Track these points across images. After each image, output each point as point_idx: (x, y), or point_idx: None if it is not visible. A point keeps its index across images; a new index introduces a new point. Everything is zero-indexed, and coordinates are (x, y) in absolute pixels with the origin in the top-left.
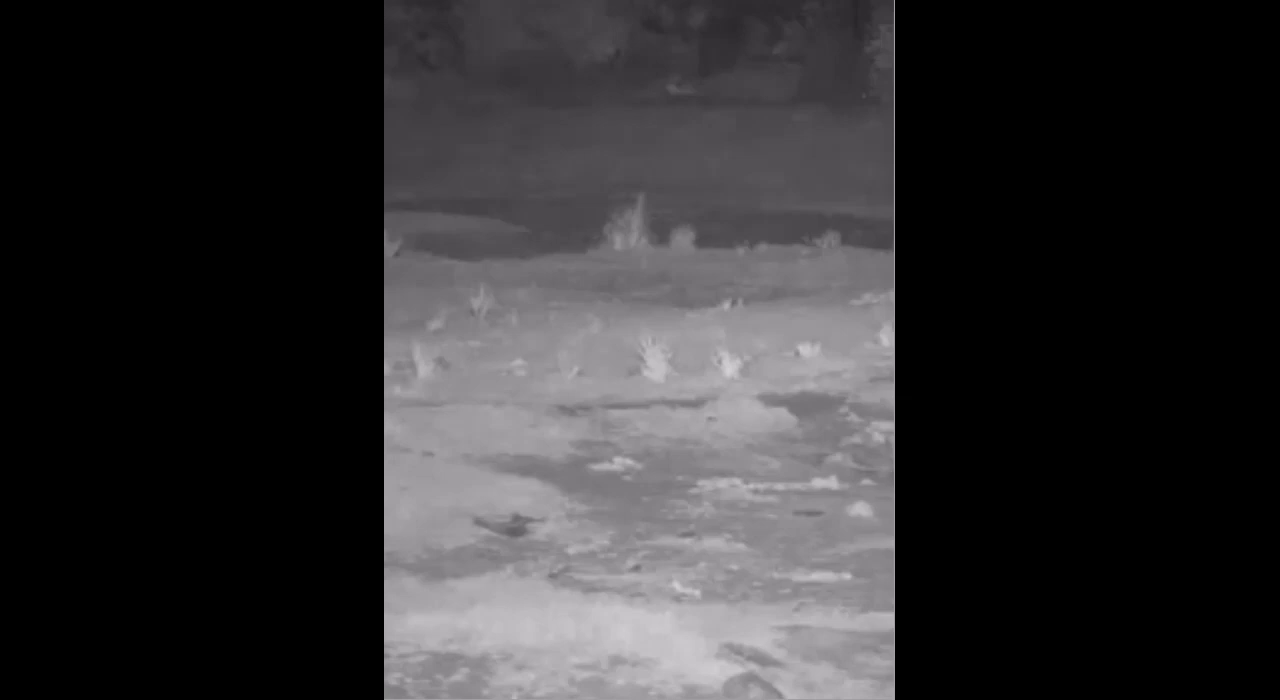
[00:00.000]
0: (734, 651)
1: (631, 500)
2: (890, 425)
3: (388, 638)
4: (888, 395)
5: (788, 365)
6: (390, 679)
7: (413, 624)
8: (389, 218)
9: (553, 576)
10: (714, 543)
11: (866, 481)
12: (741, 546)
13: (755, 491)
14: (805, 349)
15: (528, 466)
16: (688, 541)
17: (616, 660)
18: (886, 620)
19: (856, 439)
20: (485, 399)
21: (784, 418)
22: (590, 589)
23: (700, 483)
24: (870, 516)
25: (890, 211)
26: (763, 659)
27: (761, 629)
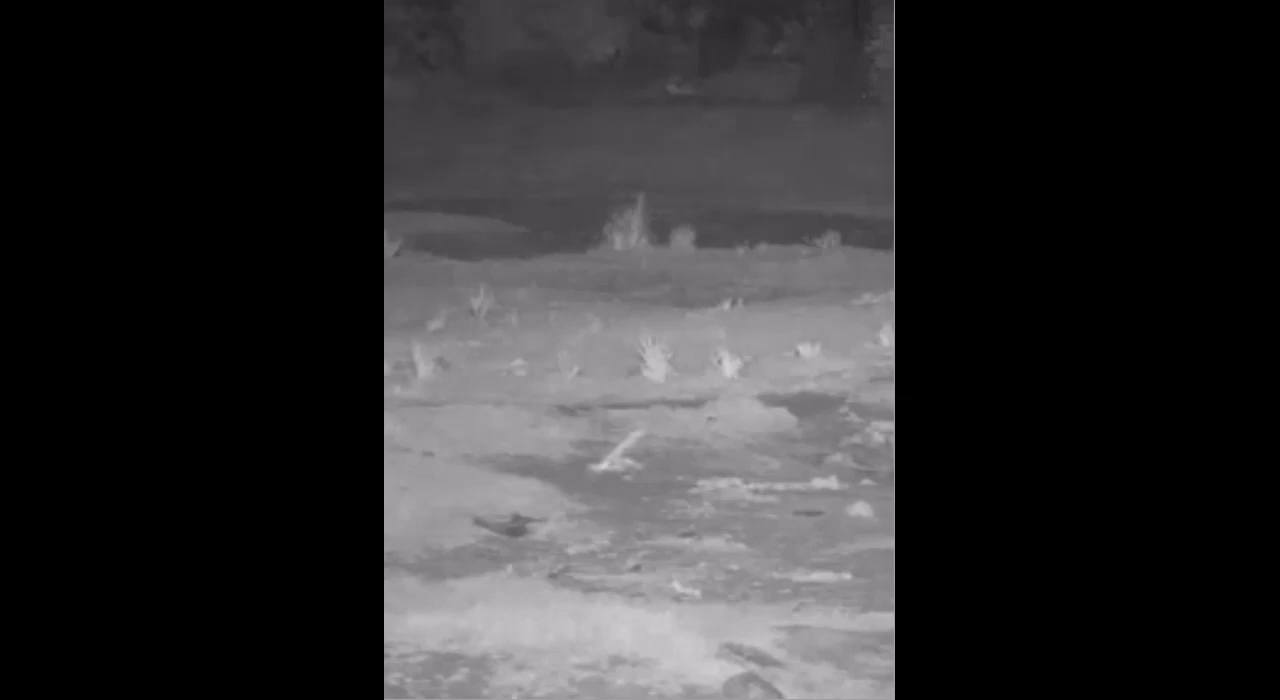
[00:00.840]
0: (734, 651)
1: (631, 500)
2: (890, 425)
3: (388, 638)
4: (888, 395)
5: (788, 365)
6: (390, 679)
7: (413, 624)
8: (389, 218)
9: (553, 576)
10: (714, 543)
11: (866, 481)
12: (741, 546)
13: (755, 491)
14: (805, 349)
15: (528, 466)
16: (688, 541)
17: (616, 660)
18: (886, 620)
19: (856, 439)
20: (485, 399)
21: (784, 418)
22: (590, 589)
23: (700, 483)
24: (870, 516)
25: (890, 211)
26: (763, 659)
27: (761, 629)
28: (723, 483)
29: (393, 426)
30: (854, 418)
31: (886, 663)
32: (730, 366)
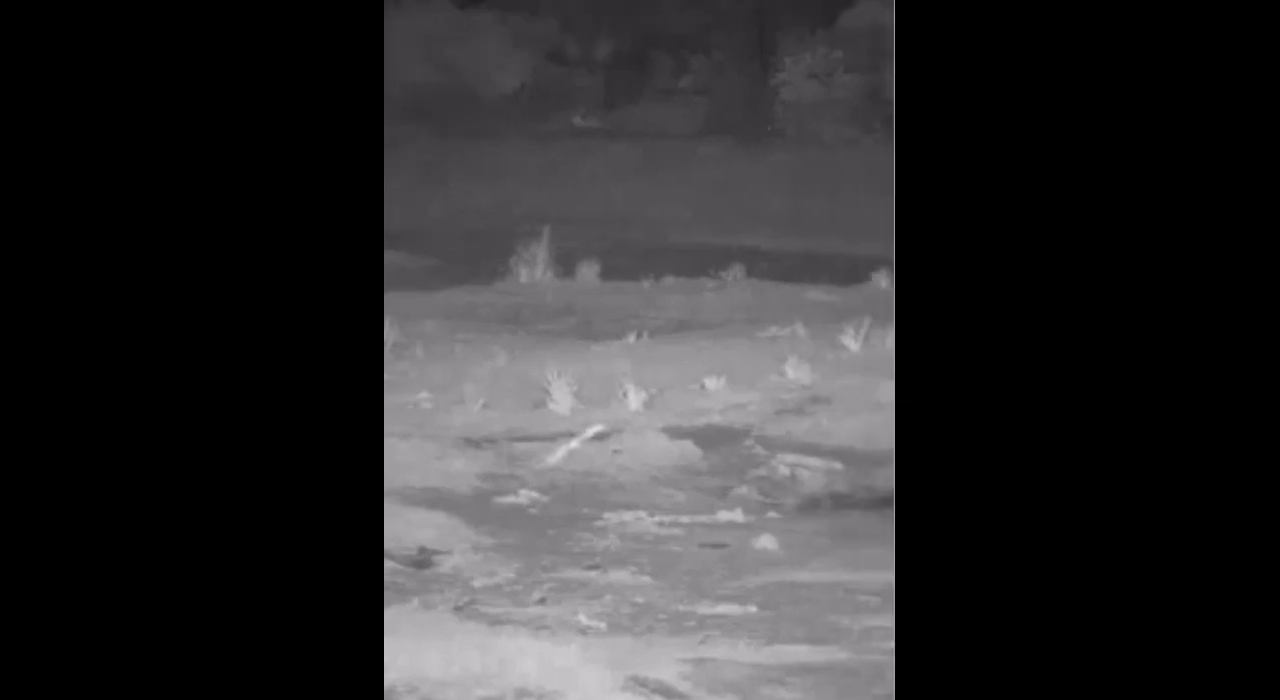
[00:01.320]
0: (639, 684)
1: (537, 533)
2: (795, 457)
3: None
4: (793, 427)
5: (693, 398)
6: None
7: None
8: None
9: (458, 609)
10: (619, 575)
11: (772, 514)
12: (647, 579)
13: (661, 524)
14: (710, 382)
15: (433, 499)
16: (593, 574)
17: (522, 693)
18: (792, 652)
19: (762, 471)
20: (391, 431)
21: (689, 450)
22: (496, 621)
23: (606, 515)
24: (775, 549)
25: (796, 244)
26: (668, 691)
27: (667, 661)
28: (628, 515)
29: None
30: (759, 450)
31: (792, 695)
32: (635, 399)
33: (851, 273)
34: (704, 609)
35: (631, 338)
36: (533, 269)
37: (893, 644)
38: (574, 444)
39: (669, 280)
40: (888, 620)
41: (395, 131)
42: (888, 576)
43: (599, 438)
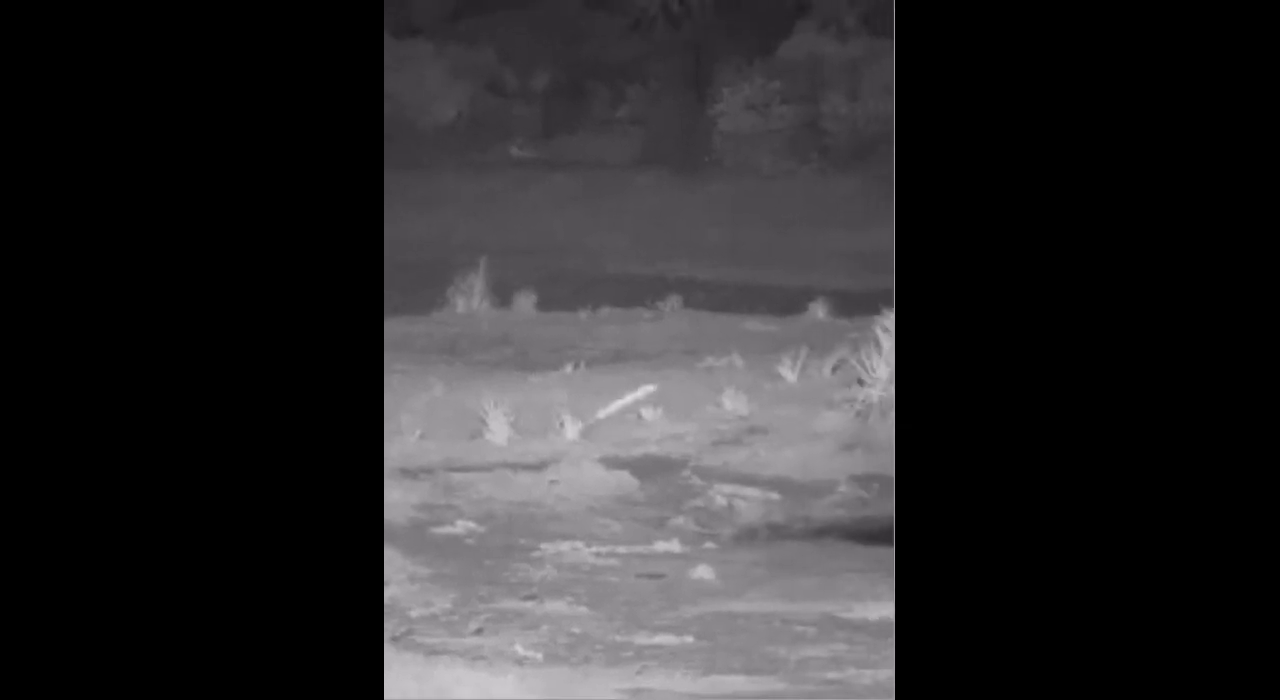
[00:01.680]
0: None
1: (474, 563)
2: (732, 488)
3: None
4: (730, 458)
5: (630, 428)
6: None
7: None
8: None
9: (395, 639)
10: (556, 606)
11: (709, 544)
12: (584, 609)
13: (597, 554)
14: (647, 412)
15: None
16: (530, 604)
17: None
18: (728, 683)
19: (699, 502)
20: None
21: (626, 481)
22: (432, 652)
23: (542, 546)
24: (712, 579)
25: (733, 274)
26: None
27: (604, 692)
28: (565, 546)
29: None
30: (696, 480)
31: None
32: (572, 429)
33: (788, 303)
34: (641, 639)
35: (568, 368)
36: (469, 299)
37: (830, 674)
38: (626, 400)
39: (606, 310)
40: (824, 650)
41: None
42: (824, 606)
43: (647, 400)
